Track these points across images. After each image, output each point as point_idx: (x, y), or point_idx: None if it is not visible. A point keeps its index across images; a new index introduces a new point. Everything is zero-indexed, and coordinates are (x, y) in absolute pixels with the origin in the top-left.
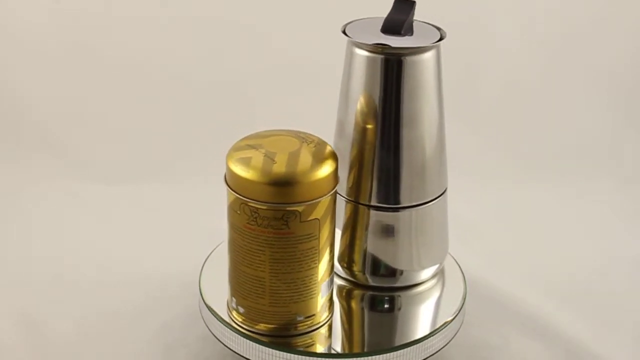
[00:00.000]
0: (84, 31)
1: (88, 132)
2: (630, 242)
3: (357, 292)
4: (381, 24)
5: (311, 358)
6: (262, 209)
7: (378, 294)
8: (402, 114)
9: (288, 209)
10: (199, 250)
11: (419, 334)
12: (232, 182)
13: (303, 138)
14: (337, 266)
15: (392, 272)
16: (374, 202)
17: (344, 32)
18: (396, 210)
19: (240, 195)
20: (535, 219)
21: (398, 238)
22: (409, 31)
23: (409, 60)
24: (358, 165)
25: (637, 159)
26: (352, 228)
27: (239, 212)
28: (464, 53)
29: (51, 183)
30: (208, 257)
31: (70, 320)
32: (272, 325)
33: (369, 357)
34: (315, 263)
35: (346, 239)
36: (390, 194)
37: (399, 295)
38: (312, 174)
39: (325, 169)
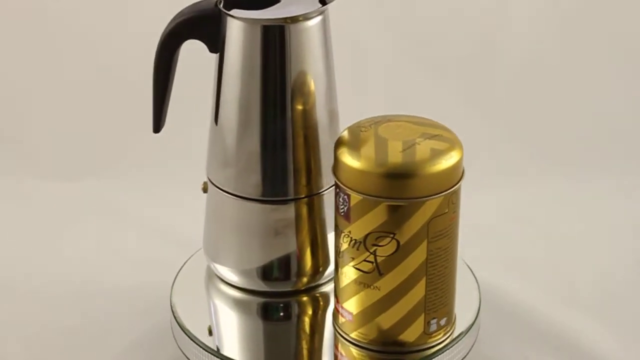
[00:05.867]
0: (34, 18)
1: (42, 123)
2: None
3: (250, 300)
4: None
5: None
6: (458, 187)
7: (272, 300)
8: (286, 88)
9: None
10: (170, 259)
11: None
12: (435, 184)
13: (384, 120)
14: (229, 275)
15: (287, 275)
16: (260, 196)
17: (216, 5)
18: (285, 202)
19: (448, 190)
20: (559, 219)
21: (290, 235)
22: None
23: (292, 28)
24: (241, 154)
25: None
26: (239, 228)
27: (447, 210)
28: (478, 35)
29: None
30: (181, 268)
31: (21, 339)
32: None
33: None
34: None
35: (235, 242)
36: (277, 184)
37: (298, 301)
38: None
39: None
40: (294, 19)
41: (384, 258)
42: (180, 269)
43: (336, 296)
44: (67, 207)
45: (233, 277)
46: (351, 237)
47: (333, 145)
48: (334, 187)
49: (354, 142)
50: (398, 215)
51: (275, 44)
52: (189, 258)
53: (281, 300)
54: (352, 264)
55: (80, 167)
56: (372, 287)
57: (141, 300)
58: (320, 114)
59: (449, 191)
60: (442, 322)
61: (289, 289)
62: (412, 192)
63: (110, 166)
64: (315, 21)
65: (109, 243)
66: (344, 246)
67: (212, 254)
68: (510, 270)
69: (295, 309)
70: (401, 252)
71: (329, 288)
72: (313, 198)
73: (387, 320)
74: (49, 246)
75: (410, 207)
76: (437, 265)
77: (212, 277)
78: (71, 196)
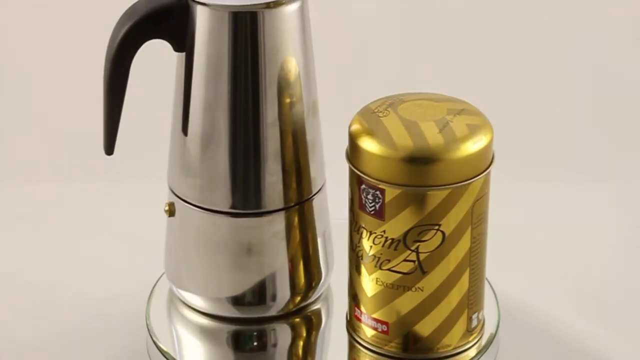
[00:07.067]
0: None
1: (22, 123)
2: None
3: (220, 328)
4: None
5: None
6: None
7: (246, 327)
8: (259, 87)
9: None
10: (145, 269)
11: None
12: (478, 163)
13: (397, 101)
14: (195, 300)
15: (262, 299)
16: (230, 208)
17: None
18: (260, 215)
19: (489, 167)
20: (592, 226)
21: (267, 253)
22: None
23: (266, 15)
24: (207, 161)
25: None
26: (206, 245)
27: (486, 191)
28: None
29: None
30: (157, 281)
31: None
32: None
33: None
34: None
35: (203, 262)
36: (250, 194)
37: (274, 329)
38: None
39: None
40: (277, 3)
41: (427, 254)
42: (156, 283)
43: (358, 308)
44: (29, 211)
45: (199, 302)
46: (386, 237)
47: (316, 144)
48: (319, 193)
49: (379, 129)
50: (443, 203)
51: (246, 33)
52: (162, 275)
53: (256, 328)
54: (387, 267)
55: (52, 170)
56: (413, 289)
57: (112, 316)
58: (299, 109)
59: (489, 169)
60: (480, 315)
61: (266, 315)
62: (458, 175)
63: (85, 170)
64: (295, 6)
65: (75, 252)
66: (375, 249)
67: (176, 277)
68: (536, 283)
69: (272, 338)
70: (446, 244)
71: (316, 307)
72: (297, 207)
73: (430, 323)
74: (8, 255)
75: (456, 191)
76: (478, 253)
77: (175, 302)
78: (33, 199)
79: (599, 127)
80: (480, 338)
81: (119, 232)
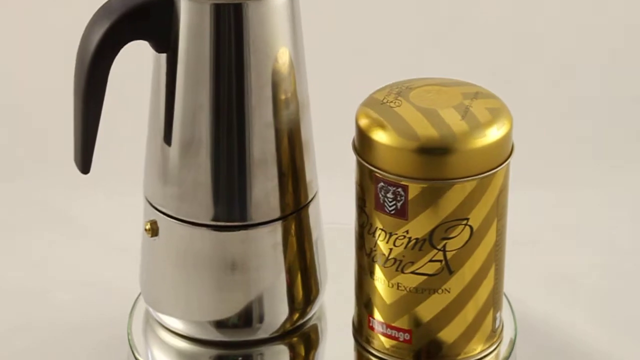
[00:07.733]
0: None
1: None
2: None
3: (201, 353)
4: None
5: None
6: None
7: (230, 352)
8: (245, 85)
9: None
10: (127, 276)
11: None
12: (503, 150)
13: (404, 88)
14: (174, 322)
15: (248, 321)
16: (212, 220)
17: None
18: (245, 228)
19: (511, 154)
20: (616, 230)
21: (253, 270)
22: None
23: (253, 8)
24: (188, 167)
25: None
26: (186, 261)
27: (507, 180)
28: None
29: None
30: (137, 298)
31: None
32: None
33: None
34: None
35: (182, 280)
36: (235, 204)
37: (261, 353)
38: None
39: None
40: None
41: (454, 252)
42: (137, 299)
43: (372, 317)
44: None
45: (178, 325)
46: (409, 238)
47: (309, 144)
48: (314, 198)
49: (394, 120)
50: (471, 195)
51: (230, 27)
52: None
53: (240, 352)
54: (410, 269)
55: (29, 169)
56: (439, 291)
57: (91, 331)
58: (292, 108)
59: (512, 155)
60: (501, 314)
61: (256, 338)
62: (486, 164)
63: (64, 170)
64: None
65: (50, 258)
66: (396, 251)
67: (152, 297)
68: (556, 293)
69: None
70: (474, 240)
71: (312, 324)
72: (293, 216)
73: (457, 326)
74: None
75: (483, 182)
76: (501, 247)
77: (151, 323)
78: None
79: (603, 128)
80: (501, 341)
81: (101, 241)
